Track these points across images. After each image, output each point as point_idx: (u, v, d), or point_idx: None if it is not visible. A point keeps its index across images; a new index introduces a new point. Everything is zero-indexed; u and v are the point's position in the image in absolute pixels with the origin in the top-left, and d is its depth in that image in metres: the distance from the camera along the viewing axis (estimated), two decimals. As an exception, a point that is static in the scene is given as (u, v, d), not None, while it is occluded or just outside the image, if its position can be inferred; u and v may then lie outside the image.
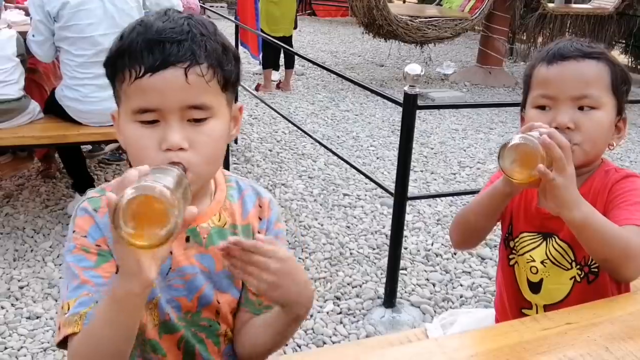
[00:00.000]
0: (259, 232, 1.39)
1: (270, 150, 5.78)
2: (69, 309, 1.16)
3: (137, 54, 1.14)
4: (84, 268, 1.20)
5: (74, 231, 1.24)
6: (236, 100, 1.32)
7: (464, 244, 1.78)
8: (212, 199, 1.34)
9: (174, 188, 0.94)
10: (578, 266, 1.59)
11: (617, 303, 1.18)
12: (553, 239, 1.61)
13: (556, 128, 1.45)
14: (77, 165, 4.24)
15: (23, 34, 3.99)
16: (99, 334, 1.09)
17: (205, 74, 1.16)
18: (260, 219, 1.40)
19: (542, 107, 1.55)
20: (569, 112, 1.50)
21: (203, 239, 1.30)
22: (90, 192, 1.30)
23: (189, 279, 1.29)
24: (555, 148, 1.30)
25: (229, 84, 1.23)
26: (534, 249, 1.64)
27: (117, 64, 1.17)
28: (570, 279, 1.60)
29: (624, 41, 10.62)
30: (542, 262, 1.62)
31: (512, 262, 1.70)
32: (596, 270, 1.57)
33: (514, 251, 1.69)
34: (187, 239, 1.29)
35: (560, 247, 1.59)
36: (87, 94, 3.88)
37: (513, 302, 1.71)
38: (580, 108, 1.51)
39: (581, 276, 1.59)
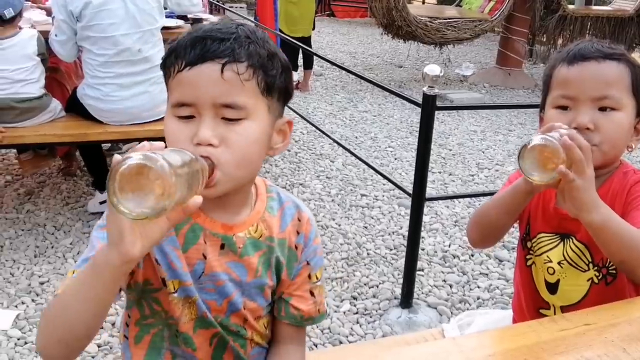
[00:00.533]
0: (295, 247, 1.39)
1: (289, 150, 5.79)
2: (72, 274, 1.17)
3: (181, 50, 1.18)
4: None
5: None
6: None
7: (482, 242, 1.78)
8: (252, 209, 1.34)
9: (178, 167, 0.93)
10: (595, 268, 1.58)
11: (635, 305, 1.18)
12: (570, 239, 1.60)
13: (575, 129, 1.45)
14: (97, 163, 4.29)
15: (44, 34, 4.04)
16: (68, 300, 1.09)
17: (242, 72, 1.16)
18: (298, 232, 1.40)
19: (562, 107, 1.55)
20: (589, 112, 1.50)
21: (238, 249, 1.29)
22: None
23: (220, 285, 1.29)
24: (575, 149, 1.30)
25: (273, 89, 1.22)
26: (551, 249, 1.63)
27: (167, 62, 1.21)
28: (587, 280, 1.59)
29: (644, 43, 10.51)
30: (559, 263, 1.62)
31: (529, 263, 1.70)
32: (614, 272, 1.57)
33: (531, 251, 1.69)
34: (222, 246, 1.28)
35: (578, 248, 1.59)
36: (108, 93, 3.93)
37: (530, 302, 1.71)
38: (601, 109, 1.50)
39: (599, 278, 1.58)
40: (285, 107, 1.32)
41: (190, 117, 1.17)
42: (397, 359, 1.18)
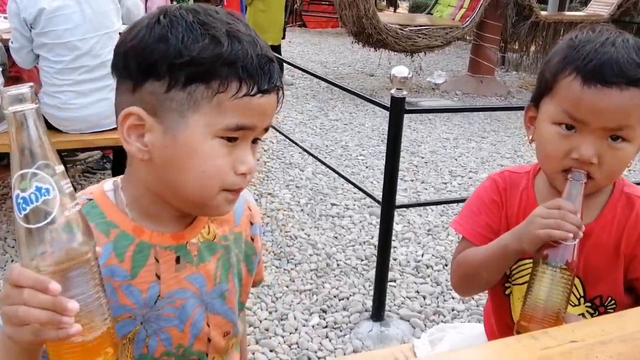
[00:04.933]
0: (252, 239, 1.31)
1: (258, 160, 5.63)
2: None
3: (253, 70, 1.03)
4: None
5: None
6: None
7: (470, 293, 1.64)
8: None
9: None
10: (588, 304, 1.42)
11: (629, 319, 1.03)
12: None
13: (575, 159, 1.28)
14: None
15: (5, 42, 3.97)
16: None
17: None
18: (251, 223, 1.32)
19: (565, 125, 1.31)
20: (596, 143, 1.27)
21: (194, 257, 1.17)
22: None
23: (180, 306, 1.16)
24: None
25: None
26: None
27: (221, 71, 1.01)
28: (578, 315, 1.42)
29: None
30: None
31: (507, 292, 1.52)
32: (612, 311, 1.40)
33: (510, 279, 1.50)
34: (177, 260, 1.15)
35: None
36: (66, 101, 3.80)
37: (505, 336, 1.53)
38: (612, 136, 1.28)
39: (593, 315, 1.41)
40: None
41: (234, 139, 1.06)
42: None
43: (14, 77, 4.23)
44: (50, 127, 3.89)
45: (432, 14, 10.00)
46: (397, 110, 2.84)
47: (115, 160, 4.56)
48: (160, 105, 1.03)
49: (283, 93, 1.11)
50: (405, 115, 2.92)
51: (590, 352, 0.94)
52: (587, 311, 1.42)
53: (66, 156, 5.00)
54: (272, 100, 1.07)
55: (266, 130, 1.10)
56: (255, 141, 1.10)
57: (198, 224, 1.19)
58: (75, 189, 3.22)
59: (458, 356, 1.02)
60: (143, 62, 1.03)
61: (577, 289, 1.41)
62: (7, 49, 3.91)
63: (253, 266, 1.32)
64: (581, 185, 1.27)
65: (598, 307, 1.41)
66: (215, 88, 1.01)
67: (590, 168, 1.28)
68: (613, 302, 1.40)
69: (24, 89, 0.83)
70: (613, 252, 1.38)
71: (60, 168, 0.86)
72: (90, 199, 1.13)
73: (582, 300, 1.42)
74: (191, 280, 1.17)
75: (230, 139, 1.04)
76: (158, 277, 1.13)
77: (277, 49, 8.01)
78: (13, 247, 3.79)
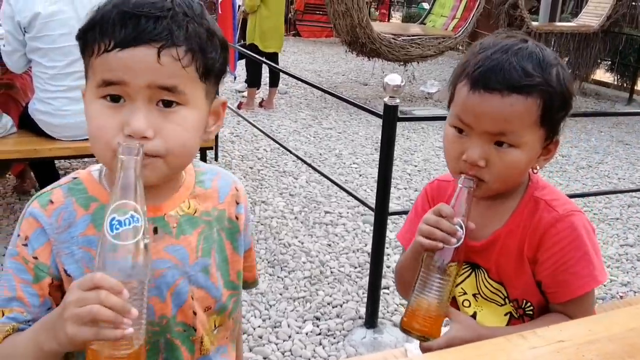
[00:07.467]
0: (236, 218, 1.32)
1: (251, 168, 5.66)
2: (2, 315, 1.13)
3: (108, 26, 1.03)
4: (23, 281, 1.15)
5: (18, 235, 1.17)
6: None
7: (407, 296, 1.68)
8: (181, 184, 1.24)
9: None
10: (512, 303, 1.45)
11: (615, 319, 1.04)
12: (481, 272, 1.47)
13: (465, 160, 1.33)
14: (50, 180, 4.10)
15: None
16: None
17: (182, 57, 1.04)
18: (237, 203, 1.33)
19: (458, 129, 1.37)
20: (483, 147, 1.32)
21: (173, 229, 1.19)
22: (48, 187, 1.21)
23: (159, 275, 1.17)
24: None
25: (211, 73, 1.12)
26: (464, 280, 1.51)
27: (88, 37, 1.06)
28: (506, 314, 1.47)
29: (609, 59, 10.60)
30: (474, 296, 1.50)
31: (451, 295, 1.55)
32: (531, 313, 1.44)
33: None
34: (155, 230, 1.17)
35: (492, 285, 1.46)
36: (59, 107, 3.78)
37: None
38: (497, 143, 1.32)
39: (518, 314, 1.45)
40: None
41: (119, 99, 1.05)
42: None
43: (6, 84, 4.20)
44: (42, 133, 3.88)
45: (425, 24, 10.05)
46: (390, 117, 2.86)
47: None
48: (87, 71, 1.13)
49: (190, 47, 1.06)
50: (399, 124, 2.94)
51: (578, 351, 0.95)
52: (513, 310, 1.47)
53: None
54: (138, 55, 1.02)
55: (165, 88, 1.04)
56: (166, 105, 1.07)
57: (177, 198, 1.22)
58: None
59: (447, 356, 1.03)
60: None
61: (500, 292, 1.46)
62: (-1, 56, 3.90)
63: (238, 244, 1.33)
64: (468, 191, 1.33)
65: (517, 308, 1.45)
66: (88, 53, 1.07)
67: (480, 171, 1.33)
68: (529, 304, 1.43)
69: (135, 144, 1.02)
70: (518, 256, 1.41)
71: (144, 209, 1.01)
72: (76, 177, 1.20)
73: (507, 300, 1.46)
74: (171, 251, 1.19)
75: (112, 99, 1.06)
76: None
77: (275, 57, 8.01)
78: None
